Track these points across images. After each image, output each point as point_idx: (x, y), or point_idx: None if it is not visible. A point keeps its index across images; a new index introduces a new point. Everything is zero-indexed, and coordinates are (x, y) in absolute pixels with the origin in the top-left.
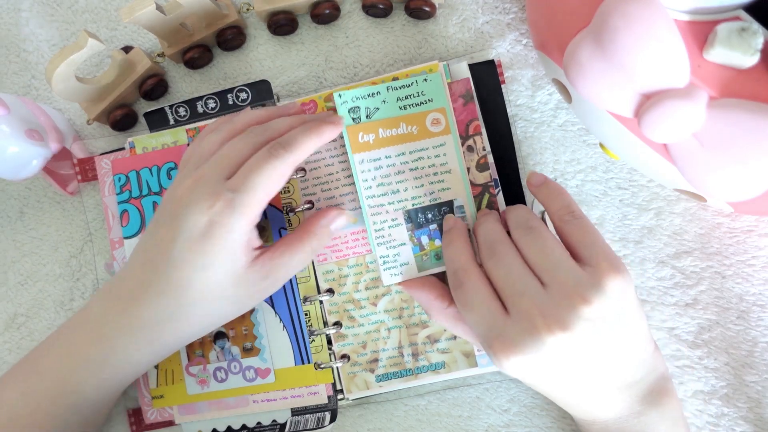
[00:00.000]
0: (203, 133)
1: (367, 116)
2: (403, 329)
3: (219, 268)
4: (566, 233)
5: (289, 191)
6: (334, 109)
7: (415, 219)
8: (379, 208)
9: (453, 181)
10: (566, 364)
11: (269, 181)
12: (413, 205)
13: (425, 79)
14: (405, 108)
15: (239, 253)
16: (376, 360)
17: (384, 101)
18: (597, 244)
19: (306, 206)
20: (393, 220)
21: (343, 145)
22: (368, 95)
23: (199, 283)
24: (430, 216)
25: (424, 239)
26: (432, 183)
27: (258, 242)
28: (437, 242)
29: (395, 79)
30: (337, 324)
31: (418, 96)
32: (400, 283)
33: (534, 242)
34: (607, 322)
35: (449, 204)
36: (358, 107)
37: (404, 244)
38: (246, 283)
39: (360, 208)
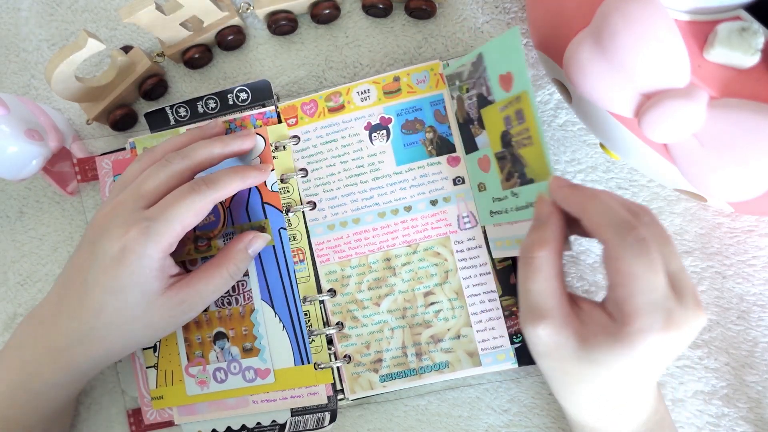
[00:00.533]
0: (129, 165)
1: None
2: (407, 329)
3: (131, 292)
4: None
5: (288, 191)
6: (337, 108)
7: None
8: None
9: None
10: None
11: (187, 214)
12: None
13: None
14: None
15: (151, 278)
16: (379, 360)
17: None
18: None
19: (308, 207)
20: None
21: (345, 146)
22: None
23: (111, 306)
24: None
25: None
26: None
27: (174, 270)
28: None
29: (396, 78)
30: (339, 324)
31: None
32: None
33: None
34: None
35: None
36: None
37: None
38: (159, 309)
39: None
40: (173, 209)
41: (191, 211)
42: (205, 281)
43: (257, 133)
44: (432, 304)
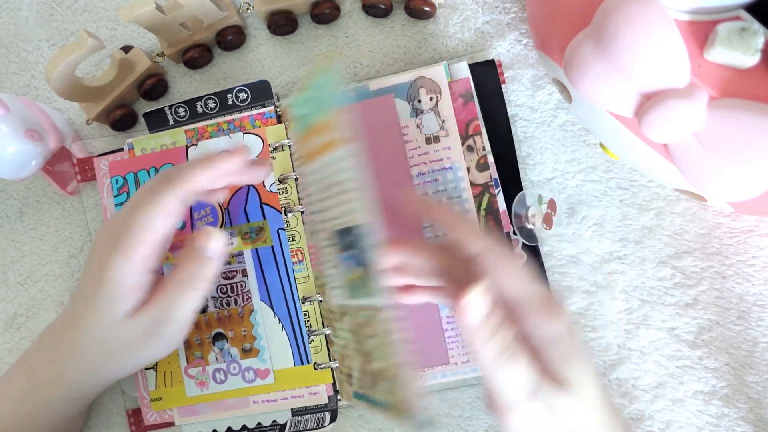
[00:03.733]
0: None
1: (304, 126)
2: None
3: (102, 308)
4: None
5: (287, 192)
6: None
7: (340, 241)
8: (316, 225)
9: (354, 202)
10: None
11: (150, 218)
12: (336, 225)
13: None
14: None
15: (121, 294)
16: (350, 375)
17: (317, 107)
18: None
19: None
20: (327, 239)
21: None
22: (304, 102)
23: (88, 319)
24: (348, 239)
25: (350, 263)
26: (342, 203)
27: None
28: (357, 270)
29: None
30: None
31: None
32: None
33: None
34: None
35: (354, 229)
36: (306, 115)
37: (337, 266)
38: (129, 330)
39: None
40: (135, 217)
41: (153, 213)
42: (175, 301)
43: (255, 134)
44: None
